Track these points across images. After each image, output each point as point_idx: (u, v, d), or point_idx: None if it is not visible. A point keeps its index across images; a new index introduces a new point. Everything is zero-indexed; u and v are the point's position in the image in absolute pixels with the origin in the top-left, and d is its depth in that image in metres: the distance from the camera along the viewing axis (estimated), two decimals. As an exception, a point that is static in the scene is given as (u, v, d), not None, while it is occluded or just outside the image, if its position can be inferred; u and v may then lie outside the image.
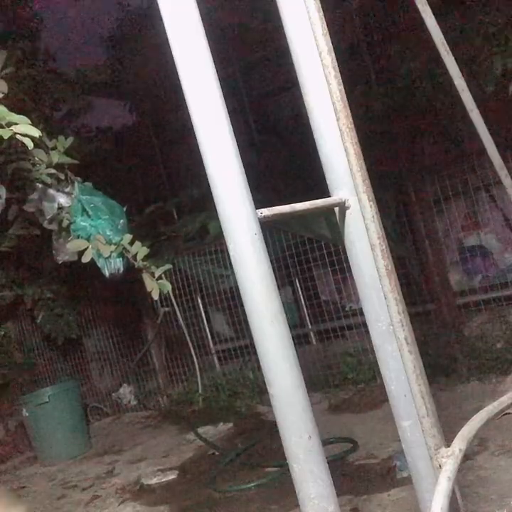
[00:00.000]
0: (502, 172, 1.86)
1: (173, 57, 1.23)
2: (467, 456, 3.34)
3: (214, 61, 1.22)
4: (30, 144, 3.33)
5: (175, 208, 8.21)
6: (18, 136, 3.30)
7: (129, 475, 5.04)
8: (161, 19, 1.23)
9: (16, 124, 3.30)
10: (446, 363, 5.17)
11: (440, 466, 1.20)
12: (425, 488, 1.41)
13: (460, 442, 1.21)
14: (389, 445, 3.96)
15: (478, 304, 5.55)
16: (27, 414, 6.25)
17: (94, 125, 9.31)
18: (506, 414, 3.56)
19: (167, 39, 1.23)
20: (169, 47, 1.23)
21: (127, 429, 6.63)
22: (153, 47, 7.75)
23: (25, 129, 3.29)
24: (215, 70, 1.22)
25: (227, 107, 1.21)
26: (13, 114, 3.34)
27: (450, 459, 1.18)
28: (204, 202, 6.91)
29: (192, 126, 1.21)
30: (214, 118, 1.21)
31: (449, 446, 1.23)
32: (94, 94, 8.90)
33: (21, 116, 3.35)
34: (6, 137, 3.26)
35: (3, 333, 7.51)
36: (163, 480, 4.66)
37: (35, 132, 3.31)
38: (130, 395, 7.39)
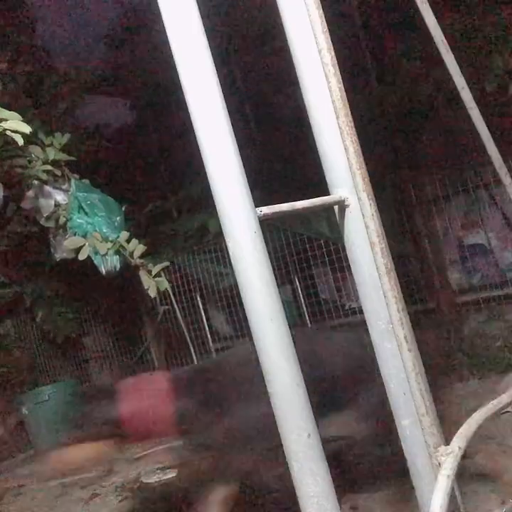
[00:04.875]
0: (502, 171, 1.86)
1: (172, 56, 1.23)
2: (466, 455, 3.34)
3: (214, 61, 1.22)
4: (20, 141, 3.32)
5: (174, 206, 8.20)
6: (8, 132, 3.29)
7: (129, 473, 5.04)
8: (161, 18, 1.22)
9: (7, 120, 3.29)
10: (445, 362, 5.18)
11: (439, 464, 1.20)
12: (425, 487, 1.41)
13: (459, 440, 1.22)
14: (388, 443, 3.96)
15: (478, 302, 5.55)
16: (26, 413, 6.24)
17: (93, 123, 9.27)
18: (506, 412, 3.56)
19: (167, 38, 1.23)
20: (169, 45, 1.23)
21: (127, 428, 6.61)
22: (154, 45, 7.74)
23: (15, 125, 3.28)
24: (215, 69, 1.22)
25: (227, 107, 1.21)
26: (4, 110, 3.32)
27: (449, 457, 1.19)
28: (204, 200, 6.90)
29: (192, 125, 1.21)
30: (214, 118, 1.21)
31: (448, 445, 1.23)
32: (93, 91, 8.86)
33: (12, 112, 3.34)
34: None
35: (2, 331, 7.50)
36: (163, 478, 4.66)
37: (26, 128, 3.29)
38: (129, 393, 7.37)
